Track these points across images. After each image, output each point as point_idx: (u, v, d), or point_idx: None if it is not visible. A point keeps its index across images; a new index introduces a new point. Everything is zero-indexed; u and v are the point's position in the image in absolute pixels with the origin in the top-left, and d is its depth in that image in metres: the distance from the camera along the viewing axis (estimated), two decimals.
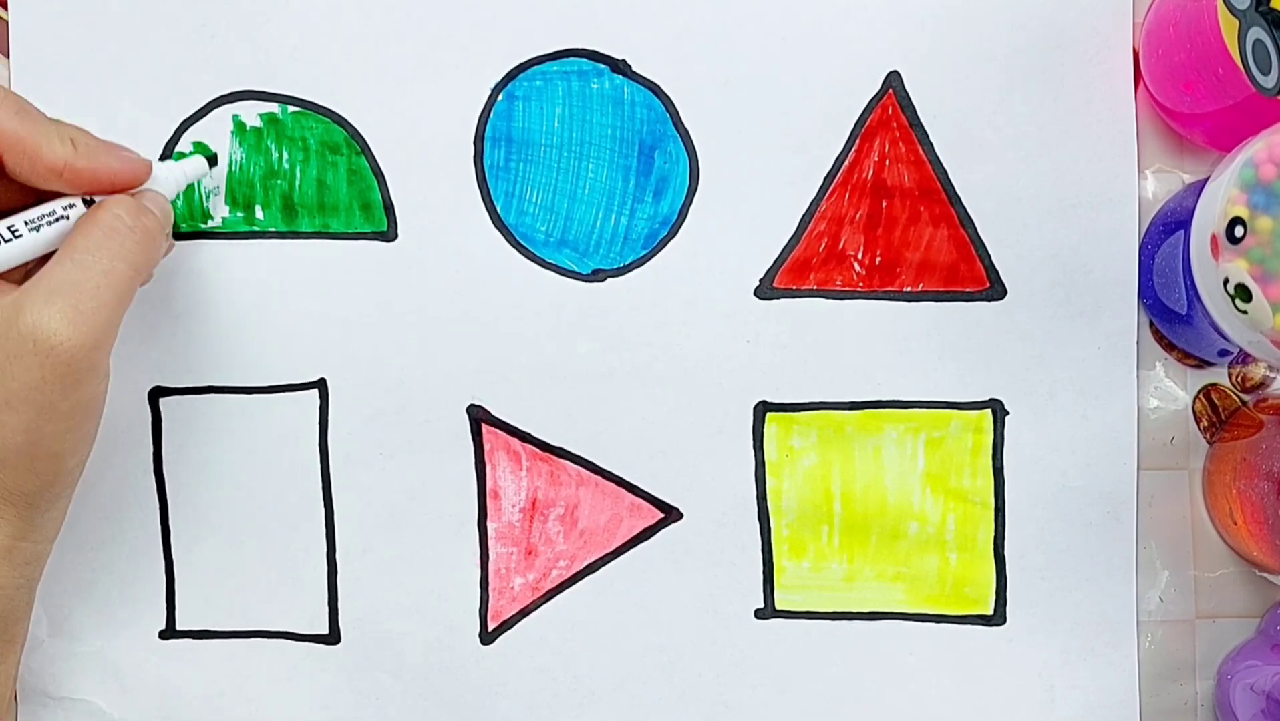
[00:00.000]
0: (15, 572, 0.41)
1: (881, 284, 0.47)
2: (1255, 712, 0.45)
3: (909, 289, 0.47)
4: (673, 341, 0.47)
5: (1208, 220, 0.38)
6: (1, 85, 0.47)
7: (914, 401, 0.47)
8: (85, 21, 0.47)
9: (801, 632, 0.48)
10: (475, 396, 0.47)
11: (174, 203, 0.45)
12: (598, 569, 0.48)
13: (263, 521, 0.48)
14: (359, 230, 0.47)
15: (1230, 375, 0.48)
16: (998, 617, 0.48)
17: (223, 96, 0.47)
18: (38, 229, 0.40)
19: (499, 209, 0.47)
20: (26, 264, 0.41)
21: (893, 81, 0.47)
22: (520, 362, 0.47)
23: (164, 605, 0.48)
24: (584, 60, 0.47)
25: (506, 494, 0.48)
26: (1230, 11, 0.39)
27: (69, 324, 0.38)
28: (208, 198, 0.47)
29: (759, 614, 0.48)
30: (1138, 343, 0.47)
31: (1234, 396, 0.48)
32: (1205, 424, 0.48)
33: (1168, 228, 0.46)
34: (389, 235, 0.47)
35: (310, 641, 0.48)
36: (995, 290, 0.47)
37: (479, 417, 0.47)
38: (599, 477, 0.48)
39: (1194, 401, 0.48)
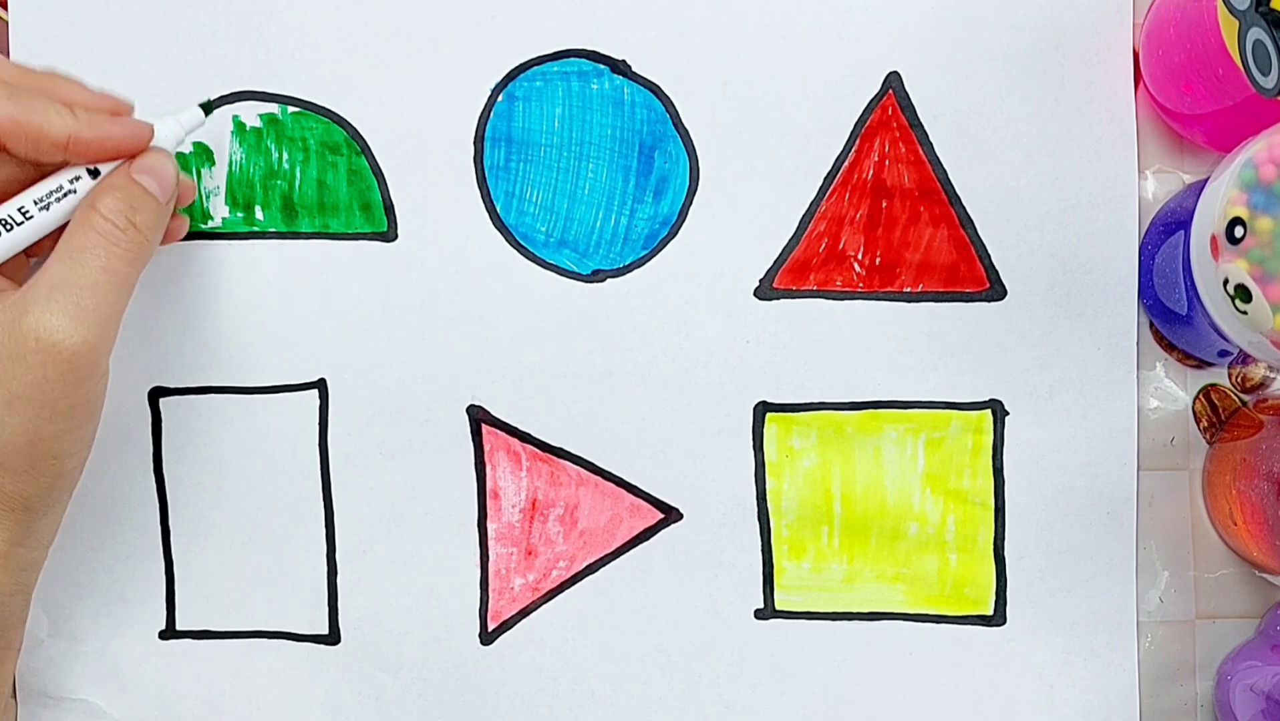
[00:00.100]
0: (10, 579, 0.41)
1: (881, 284, 0.47)
2: (1255, 713, 0.45)
3: (909, 289, 0.47)
4: (673, 342, 0.47)
5: (1208, 220, 0.38)
6: None
7: (914, 402, 0.47)
8: (85, 22, 0.47)
9: (801, 633, 0.48)
10: (475, 396, 0.47)
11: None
12: (597, 569, 0.48)
13: (263, 521, 0.48)
14: (359, 230, 0.47)
15: (1230, 375, 0.48)
16: (998, 618, 0.48)
17: (223, 96, 0.47)
18: (47, 207, 0.40)
19: (499, 209, 0.47)
20: (30, 258, 0.41)
21: (893, 82, 0.47)
22: (520, 363, 0.47)
23: (164, 605, 0.48)
24: (584, 60, 0.47)
25: (506, 494, 0.48)
26: (1230, 12, 0.39)
27: (71, 321, 0.38)
28: (208, 198, 0.47)
29: (759, 614, 0.48)
30: (1138, 343, 0.47)
31: (1234, 397, 0.48)
32: (1205, 424, 0.48)
33: (1168, 228, 0.46)
34: (389, 235, 0.47)
35: (310, 641, 0.48)
36: (995, 290, 0.47)
37: (479, 418, 0.47)
38: (599, 478, 0.48)
39: (1194, 402, 0.48)
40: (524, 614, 0.48)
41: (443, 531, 0.48)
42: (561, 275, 0.47)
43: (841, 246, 0.47)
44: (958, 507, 0.48)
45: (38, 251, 0.42)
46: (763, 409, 0.47)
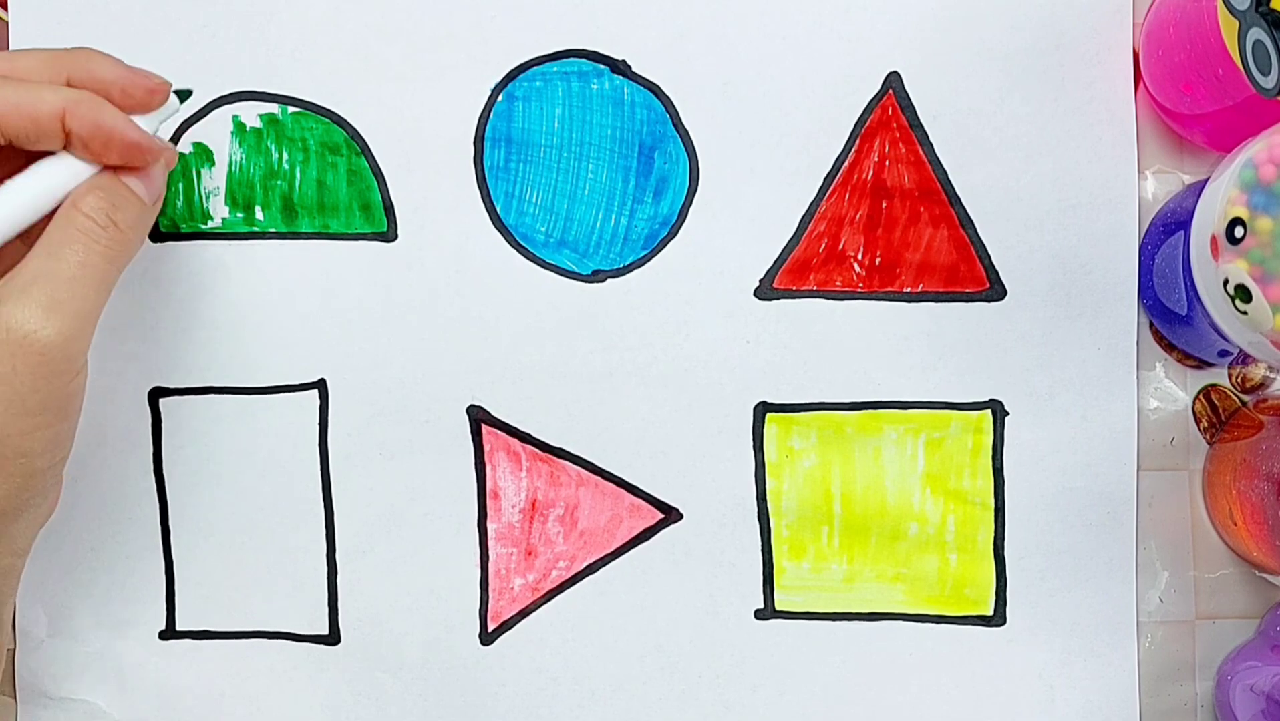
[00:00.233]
0: None
1: (881, 284, 0.47)
2: (1255, 713, 0.45)
3: (909, 289, 0.47)
4: (673, 342, 0.47)
5: (1207, 221, 0.38)
6: None
7: (914, 402, 0.47)
8: (85, 22, 0.47)
9: (801, 633, 0.48)
10: (475, 397, 0.47)
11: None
12: (597, 569, 0.48)
13: (263, 521, 0.48)
14: (359, 231, 0.47)
15: (1230, 376, 0.48)
16: (998, 618, 0.48)
17: (223, 97, 0.47)
18: (35, 192, 0.39)
19: (499, 209, 0.47)
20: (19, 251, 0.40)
21: (893, 82, 0.47)
22: (520, 363, 0.47)
23: (164, 605, 0.48)
24: (584, 61, 0.47)
25: (506, 494, 0.48)
26: (1230, 12, 0.39)
27: (44, 313, 0.37)
28: (208, 198, 0.47)
29: (759, 614, 0.48)
30: (1138, 343, 0.47)
31: (1234, 397, 0.48)
32: (1205, 424, 0.48)
33: (1168, 228, 0.46)
34: (389, 236, 0.47)
35: (310, 641, 0.48)
36: (995, 291, 0.47)
37: (479, 418, 0.47)
38: (599, 478, 0.48)
39: (1194, 402, 0.48)
40: (524, 614, 0.48)
41: (443, 531, 0.48)
42: (561, 275, 0.47)
43: (841, 246, 0.47)
44: (958, 508, 0.48)
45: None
46: (763, 409, 0.47)
